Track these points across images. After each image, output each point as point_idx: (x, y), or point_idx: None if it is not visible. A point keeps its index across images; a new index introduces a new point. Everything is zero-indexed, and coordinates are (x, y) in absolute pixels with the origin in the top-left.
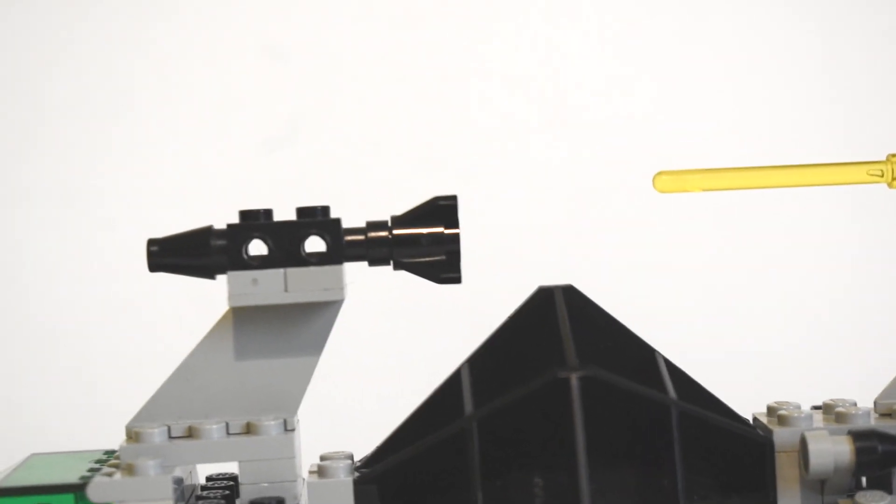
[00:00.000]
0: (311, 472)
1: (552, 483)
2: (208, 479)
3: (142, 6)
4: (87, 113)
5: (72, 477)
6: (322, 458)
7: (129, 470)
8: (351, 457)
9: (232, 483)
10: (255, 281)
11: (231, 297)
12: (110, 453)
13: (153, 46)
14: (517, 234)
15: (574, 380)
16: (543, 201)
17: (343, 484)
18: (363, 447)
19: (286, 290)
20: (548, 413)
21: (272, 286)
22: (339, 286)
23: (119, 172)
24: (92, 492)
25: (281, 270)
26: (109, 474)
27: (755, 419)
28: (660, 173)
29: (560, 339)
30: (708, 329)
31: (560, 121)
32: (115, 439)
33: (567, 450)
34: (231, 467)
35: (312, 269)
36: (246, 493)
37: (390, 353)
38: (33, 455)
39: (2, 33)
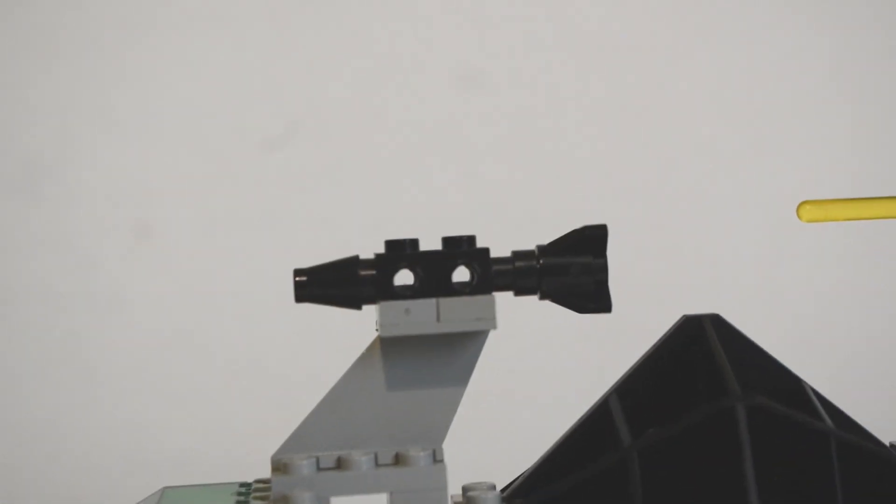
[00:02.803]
0: (456, 503)
1: None
2: None
3: None
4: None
5: None
6: (466, 489)
7: (285, 501)
8: (494, 487)
9: None
10: (407, 311)
11: (384, 326)
12: (246, 485)
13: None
14: (643, 263)
15: (741, 409)
16: (678, 229)
17: None
18: (498, 477)
19: (438, 320)
20: (714, 442)
21: (424, 316)
22: (492, 315)
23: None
24: None
25: (433, 300)
26: None
27: (892, 446)
28: (804, 203)
29: (718, 367)
30: (833, 358)
31: (699, 148)
32: (234, 471)
33: (735, 480)
34: (371, 499)
35: (465, 298)
36: None
37: (523, 383)
38: (166, 488)
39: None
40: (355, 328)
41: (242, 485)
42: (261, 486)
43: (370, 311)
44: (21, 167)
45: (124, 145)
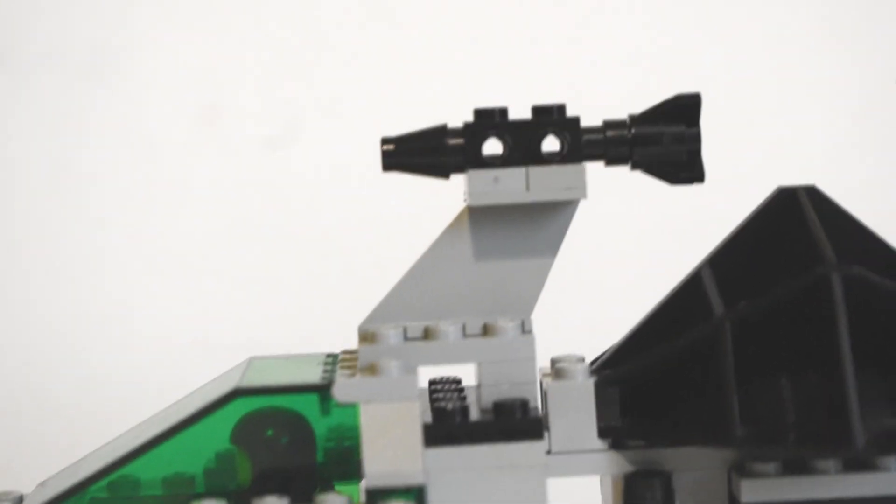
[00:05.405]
0: (544, 375)
1: (811, 384)
2: (431, 382)
3: None
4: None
5: (313, 377)
6: (554, 361)
7: (372, 370)
8: (583, 359)
9: (459, 386)
10: (496, 179)
11: (472, 195)
12: (333, 356)
13: None
14: (737, 133)
15: (836, 278)
16: (776, 98)
17: (584, 386)
18: (587, 350)
19: (528, 189)
20: (808, 312)
21: (514, 185)
22: (582, 185)
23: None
24: (338, 392)
25: (523, 169)
26: (351, 375)
27: None
28: None
29: (813, 238)
30: None
31: (805, 16)
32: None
33: (829, 350)
34: (458, 369)
35: (554, 167)
36: (487, 394)
37: (614, 255)
38: (253, 358)
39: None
40: (443, 197)
41: (329, 355)
42: (347, 356)
43: (458, 181)
44: (87, 55)
45: (189, 31)
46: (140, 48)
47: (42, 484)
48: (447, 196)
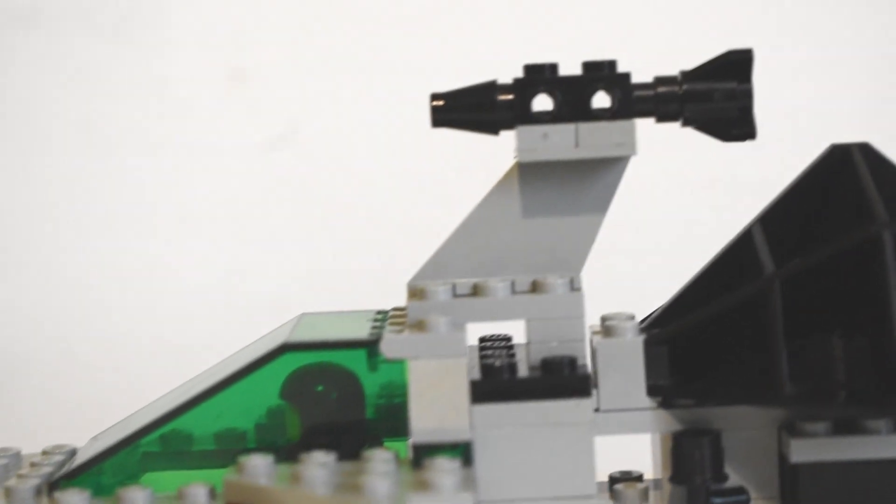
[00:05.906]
0: (594, 333)
1: (861, 343)
2: (481, 339)
3: None
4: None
5: (361, 333)
6: (604, 319)
7: (421, 326)
8: (633, 317)
9: (510, 343)
10: (545, 136)
11: (521, 151)
12: (383, 313)
13: None
14: (789, 90)
15: (887, 236)
16: (829, 55)
17: (633, 344)
18: (638, 309)
19: (577, 146)
20: (858, 270)
21: (563, 141)
22: (632, 141)
23: None
24: (385, 347)
25: (572, 125)
26: (399, 331)
27: None
28: None
29: (865, 196)
30: None
31: None
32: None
33: (879, 308)
34: (502, 327)
35: (604, 123)
36: (535, 351)
37: (665, 213)
38: (304, 314)
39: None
40: (493, 154)
41: (379, 312)
42: (397, 313)
43: (508, 137)
44: (118, 15)
45: None
46: (170, 9)
47: (94, 438)
48: (497, 152)
